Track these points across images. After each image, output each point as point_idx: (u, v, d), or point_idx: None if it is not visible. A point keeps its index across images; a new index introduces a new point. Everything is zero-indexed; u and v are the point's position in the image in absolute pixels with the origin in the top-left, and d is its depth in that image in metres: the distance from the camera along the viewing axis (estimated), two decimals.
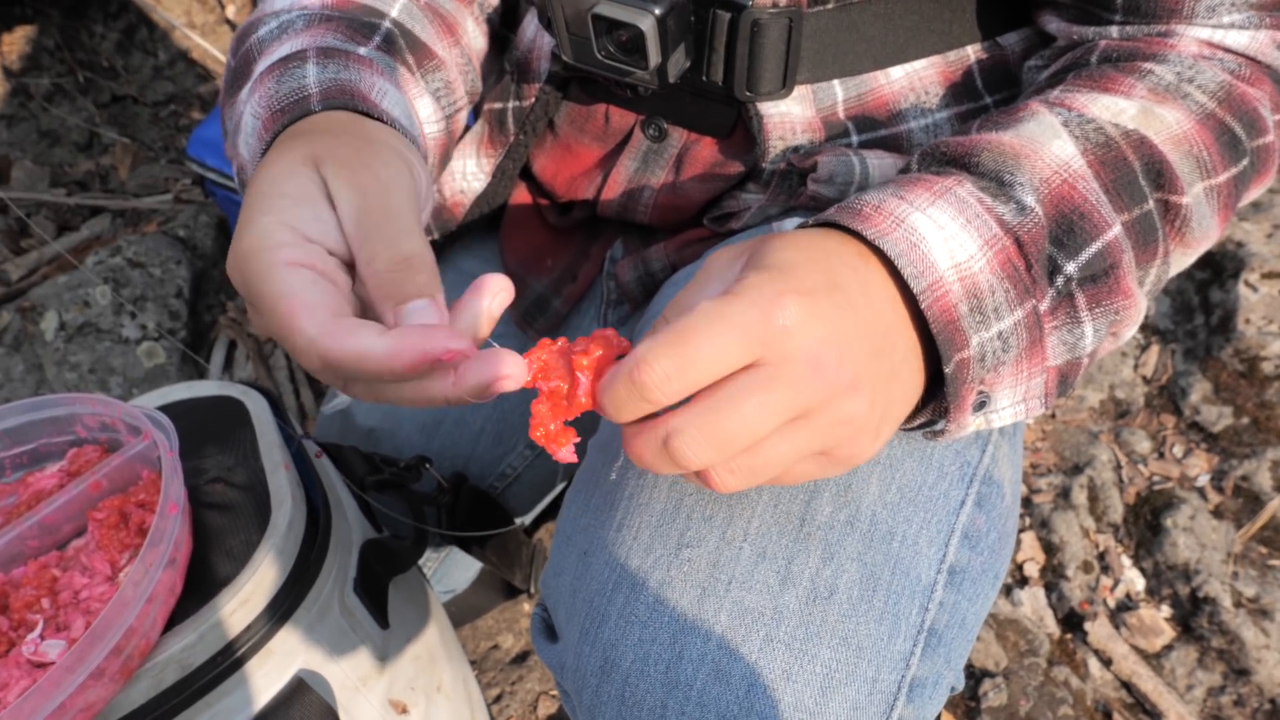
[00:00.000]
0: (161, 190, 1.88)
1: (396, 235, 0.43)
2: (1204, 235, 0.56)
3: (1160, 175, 0.53)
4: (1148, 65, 0.57)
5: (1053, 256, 0.50)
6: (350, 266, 0.46)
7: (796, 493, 0.53)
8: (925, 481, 0.55)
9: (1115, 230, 0.51)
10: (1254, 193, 0.60)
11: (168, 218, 1.74)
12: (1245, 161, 0.56)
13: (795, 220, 0.68)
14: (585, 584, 0.54)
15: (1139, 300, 0.53)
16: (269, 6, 0.67)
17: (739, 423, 0.40)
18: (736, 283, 0.42)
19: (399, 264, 0.42)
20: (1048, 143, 0.52)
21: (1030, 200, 0.49)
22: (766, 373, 0.40)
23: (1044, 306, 0.50)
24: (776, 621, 0.50)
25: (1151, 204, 0.53)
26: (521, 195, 0.86)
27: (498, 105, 0.80)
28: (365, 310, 0.46)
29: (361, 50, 0.61)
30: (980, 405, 0.50)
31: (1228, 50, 0.57)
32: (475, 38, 0.77)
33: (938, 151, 0.54)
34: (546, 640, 0.59)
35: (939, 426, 0.51)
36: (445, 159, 0.72)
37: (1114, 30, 0.60)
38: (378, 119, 0.54)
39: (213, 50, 2.15)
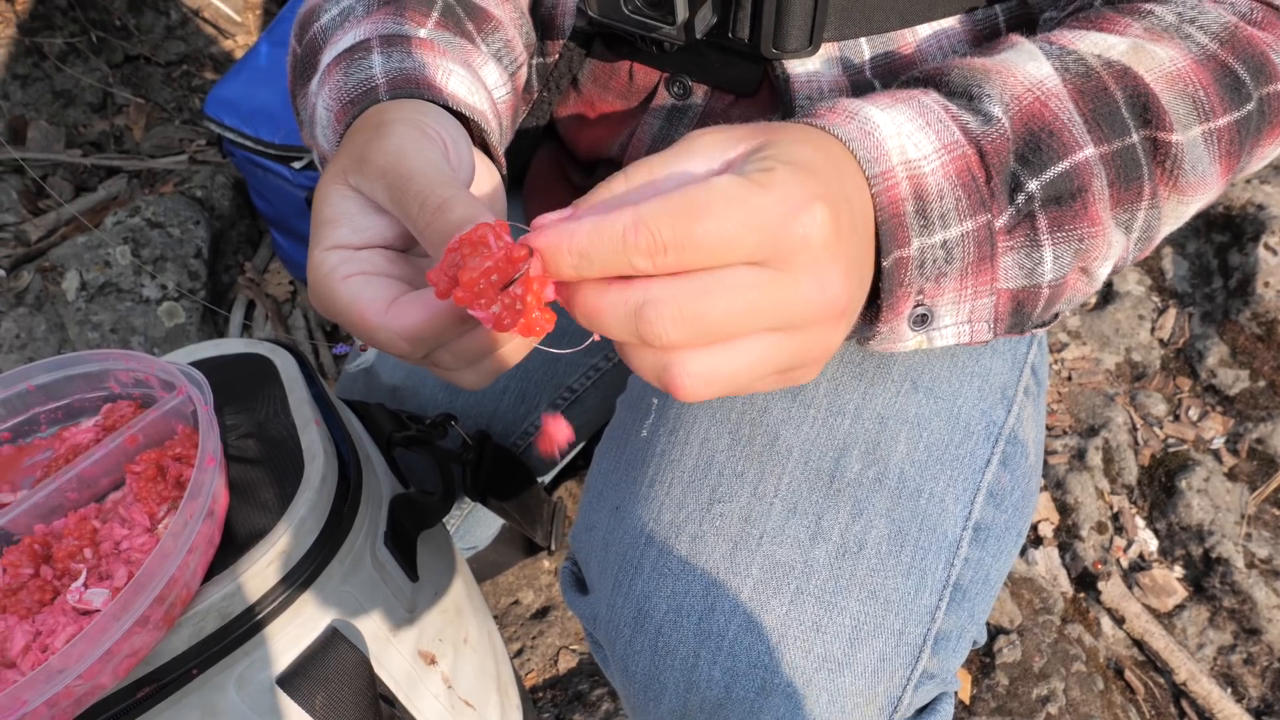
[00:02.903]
0: (176, 151, 1.88)
1: (422, 190, 0.43)
2: (1201, 182, 0.54)
3: (1147, 110, 0.51)
4: (1149, 5, 0.55)
5: (1016, 173, 0.48)
6: (414, 253, 0.48)
7: (826, 449, 0.54)
8: (952, 440, 0.56)
9: (1087, 152, 0.49)
10: (1270, 148, 0.58)
11: (184, 178, 1.74)
12: (1250, 106, 0.54)
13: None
14: (618, 538, 0.55)
15: (1109, 233, 0.51)
16: None
17: (724, 315, 0.36)
18: (762, 172, 0.38)
19: (434, 213, 0.42)
20: (1023, 64, 0.51)
21: (997, 111, 0.48)
22: (769, 275, 0.37)
23: (1000, 223, 0.48)
24: (807, 575, 0.51)
25: (1136, 138, 0.51)
26: (545, 154, 0.86)
27: None
28: None
29: (421, 32, 0.61)
30: (921, 320, 0.49)
31: None
32: None
33: (910, 77, 0.53)
34: (577, 592, 0.61)
35: (870, 331, 0.49)
36: (517, 116, 0.72)
37: None
38: (443, 104, 0.55)
39: (225, 9, 2.14)
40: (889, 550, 0.52)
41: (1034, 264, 0.50)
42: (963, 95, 0.49)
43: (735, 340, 0.38)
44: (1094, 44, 0.52)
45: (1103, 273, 0.53)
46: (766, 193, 0.36)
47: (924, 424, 0.55)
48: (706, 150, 0.41)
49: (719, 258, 0.36)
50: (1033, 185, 0.48)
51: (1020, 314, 0.51)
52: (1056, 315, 0.55)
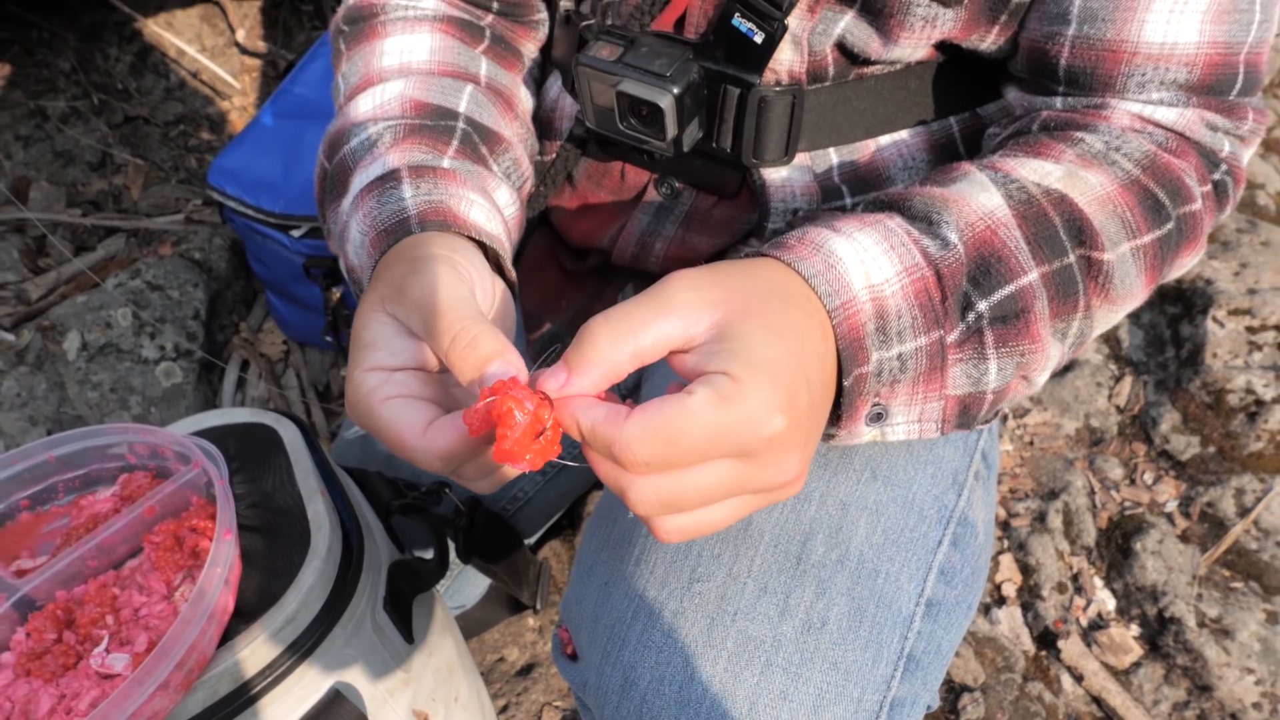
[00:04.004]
0: (173, 210, 1.93)
1: (453, 325, 0.49)
2: (1129, 293, 0.59)
3: (1082, 232, 0.56)
4: (1080, 134, 0.62)
5: (967, 293, 0.54)
6: (444, 370, 0.54)
7: (794, 533, 0.60)
8: (907, 524, 0.62)
9: (1031, 277, 0.55)
10: (1187, 259, 0.65)
11: (180, 238, 1.79)
12: (1170, 225, 0.60)
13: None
14: (606, 611, 0.60)
15: (1048, 347, 0.56)
16: (355, 113, 0.73)
17: (695, 494, 0.44)
18: (732, 384, 0.43)
19: (463, 347, 0.48)
20: (976, 194, 0.57)
21: (954, 238, 0.54)
22: (736, 465, 0.44)
23: (952, 338, 0.54)
24: (775, 648, 0.56)
25: (1073, 258, 0.56)
26: (539, 240, 0.92)
27: None
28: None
29: (444, 162, 0.68)
30: (876, 417, 0.54)
31: (1157, 124, 0.62)
32: (527, 101, 0.83)
33: (876, 200, 0.59)
34: (567, 659, 0.66)
35: (830, 431, 0.54)
36: (521, 225, 0.78)
37: (1058, 101, 0.66)
38: (466, 234, 0.61)
39: (221, 73, 2.21)
40: (849, 625, 0.58)
41: (980, 374, 0.55)
42: (923, 220, 0.55)
43: (708, 505, 0.45)
44: (1033, 171, 0.59)
45: (1041, 380, 0.58)
46: (735, 409, 0.42)
47: (882, 510, 0.61)
48: (682, 311, 0.45)
49: (692, 463, 0.43)
50: (982, 305, 0.54)
51: (966, 415, 0.57)
52: (998, 413, 0.61)
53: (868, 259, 0.52)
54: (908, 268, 0.52)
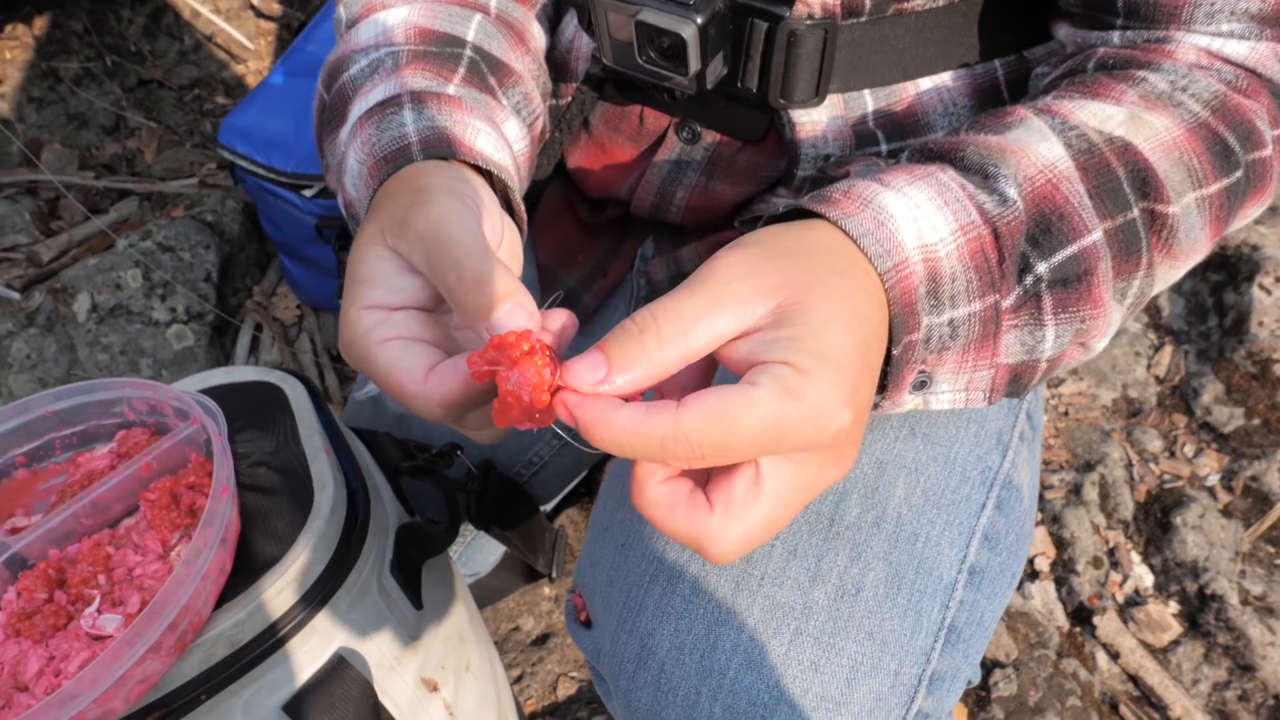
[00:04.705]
0: (187, 174, 1.90)
1: (460, 260, 0.45)
2: (1193, 247, 0.56)
3: (1146, 183, 0.52)
4: (1142, 73, 0.57)
5: (1025, 254, 0.50)
6: (441, 311, 0.50)
7: (826, 494, 0.56)
8: (948, 485, 0.57)
9: (1095, 236, 0.51)
10: (1252, 210, 0.60)
11: (194, 201, 1.76)
12: (1239, 174, 0.56)
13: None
14: (622, 575, 0.56)
15: (1110, 312, 0.52)
16: (355, 41, 0.69)
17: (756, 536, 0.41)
18: (798, 376, 0.39)
19: (471, 285, 0.44)
20: (1035, 144, 0.52)
21: (1013, 193, 0.50)
22: (799, 483, 0.41)
23: (1007, 303, 0.50)
24: (806, 616, 0.52)
25: (1136, 212, 0.52)
26: (555, 191, 0.88)
27: None
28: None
29: (450, 89, 0.63)
30: (920, 385, 0.51)
31: (1226, 60, 0.57)
32: (540, 38, 0.79)
33: (925, 148, 0.54)
34: (581, 626, 0.62)
35: (874, 401, 0.51)
36: (532, 166, 0.74)
37: (1115, 36, 0.61)
38: (473, 163, 0.57)
39: (237, 35, 2.17)
40: (886, 592, 0.53)
41: (1035, 341, 0.51)
42: (978, 173, 0.51)
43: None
44: (1093, 115, 0.54)
45: (1099, 346, 0.54)
46: (802, 403, 0.39)
47: (921, 469, 0.57)
48: (737, 306, 0.41)
49: (750, 457, 0.40)
50: (1041, 267, 0.50)
51: (1016, 384, 0.53)
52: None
53: (920, 216, 0.47)
54: (963, 226, 0.48)
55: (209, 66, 2.15)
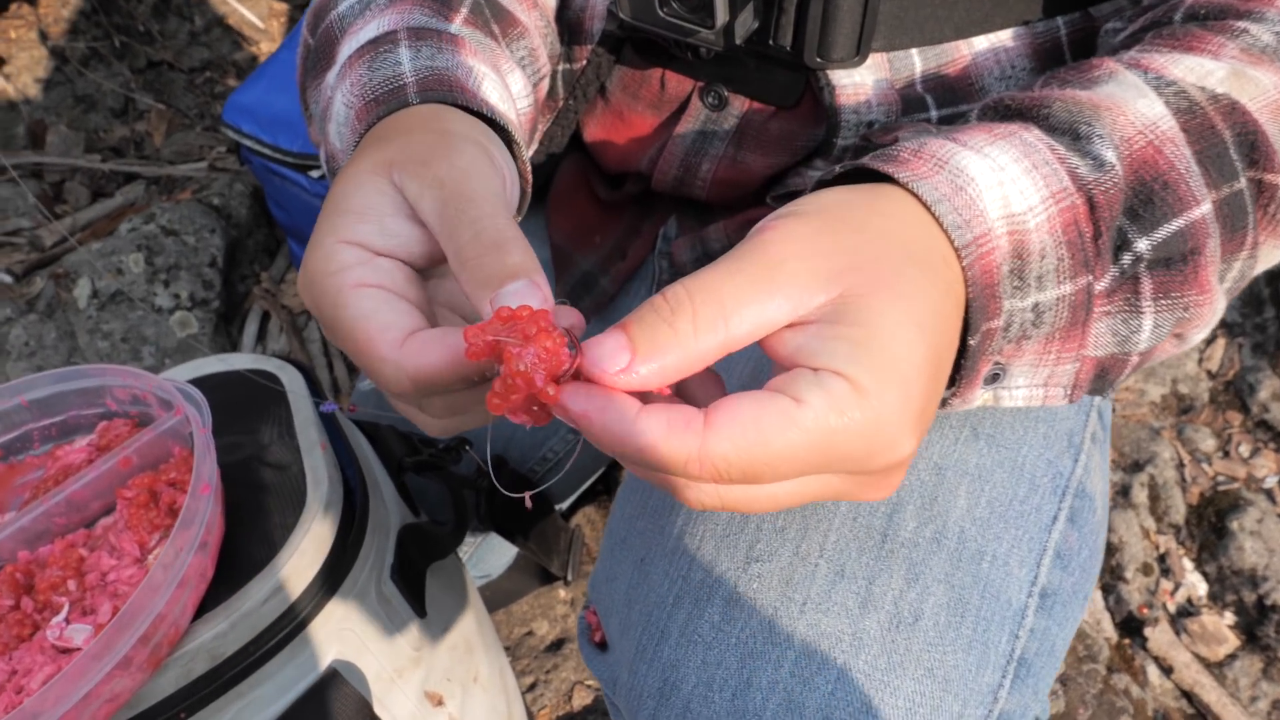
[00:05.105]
0: (196, 157, 1.86)
1: (480, 219, 0.39)
2: None
3: (1255, 148, 0.46)
4: (1241, 24, 0.50)
5: (1123, 229, 0.43)
6: (426, 275, 0.43)
7: (878, 504, 0.49)
8: (1016, 495, 0.50)
9: (1204, 209, 0.44)
10: None
11: (202, 185, 1.72)
12: None
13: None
14: (642, 594, 0.50)
15: (1216, 298, 0.46)
16: None
17: (767, 506, 0.36)
18: (853, 394, 0.34)
19: (488, 247, 0.38)
20: (1132, 100, 0.45)
21: (1111, 156, 0.43)
22: (835, 485, 0.36)
23: (1101, 286, 0.44)
24: (856, 648, 0.45)
25: (1243, 182, 0.46)
26: (570, 166, 0.81)
27: None
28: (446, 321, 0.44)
29: (452, 27, 0.57)
30: (993, 378, 0.44)
31: None
32: None
33: (1000, 105, 0.48)
34: (595, 648, 0.55)
35: (943, 397, 0.45)
36: (536, 130, 0.68)
37: None
38: (476, 110, 0.50)
39: (249, 16, 2.13)
40: (948, 621, 0.46)
41: (1130, 331, 0.45)
42: (1067, 133, 0.44)
43: (780, 507, 0.37)
44: (1190, 70, 0.47)
45: (1198, 337, 0.48)
46: (855, 431, 0.33)
47: (985, 476, 0.50)
48: (791, 289, 0.35)
49: (784, 478, 0.35)
50: (1142, 245, 0.43)
51: (1102, 380, 0.47)
52: None
53: (1006, 180, 0.40)
54: (1055, 193, 0.41)
55: (220, 48, 2.11)
